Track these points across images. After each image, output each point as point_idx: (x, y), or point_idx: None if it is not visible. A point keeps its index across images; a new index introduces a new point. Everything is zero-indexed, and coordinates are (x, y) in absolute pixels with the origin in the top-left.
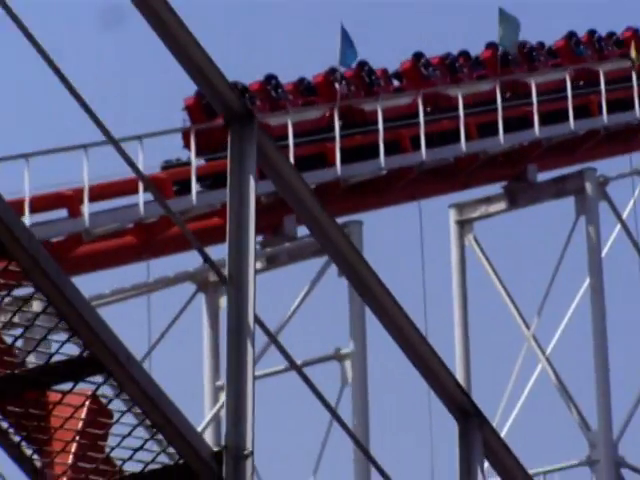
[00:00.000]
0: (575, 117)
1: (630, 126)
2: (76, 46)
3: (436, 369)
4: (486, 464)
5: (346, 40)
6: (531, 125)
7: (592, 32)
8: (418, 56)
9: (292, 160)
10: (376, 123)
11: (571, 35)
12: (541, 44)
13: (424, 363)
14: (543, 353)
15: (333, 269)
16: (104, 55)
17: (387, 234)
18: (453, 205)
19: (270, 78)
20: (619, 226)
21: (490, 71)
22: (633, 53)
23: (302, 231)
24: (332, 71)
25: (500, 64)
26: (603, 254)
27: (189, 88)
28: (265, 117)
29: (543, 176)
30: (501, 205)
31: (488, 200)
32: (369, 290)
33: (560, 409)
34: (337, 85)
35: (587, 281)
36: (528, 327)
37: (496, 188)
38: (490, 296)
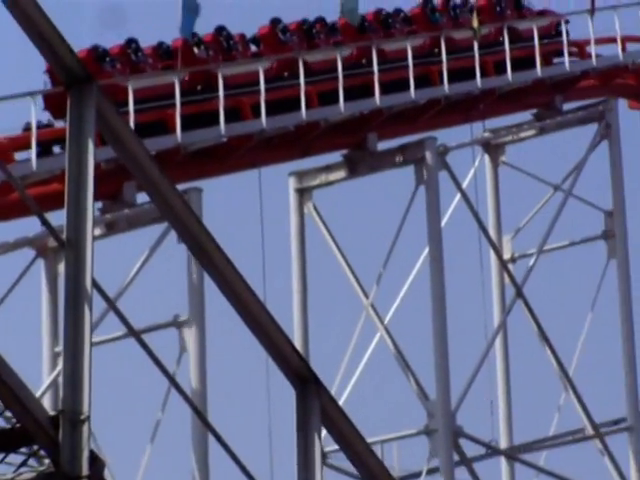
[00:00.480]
0: (418, 86)
1: (471, 96)
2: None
3: (274, 336)
4: (324, 431)
5: (186, 7)
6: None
7: None
8: (276, 22)
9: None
10: (237, 87)
11: (427, 2)
12: (397, 11)
13: (262, 330)
14: (382, 322)
15: (172, 236)
16: None
17: (227, 201)
18: (293, 173)
19: (130, 42)
20: (459, 196)
21: (346, 37)
22: (475, 23)
23: (142, 198)
24: (192, 35)
25: (357, 31)
26: (443, 223)
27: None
28: (123, 80)
29: (384, 145)
30: (341, 173)
31: (328, 168)
32: (208, 257)
33: (399, 378)
34: (196, 50)
35: (426, 250)
36: (367, 296)
37: (336, 156)
38: (329, 264)
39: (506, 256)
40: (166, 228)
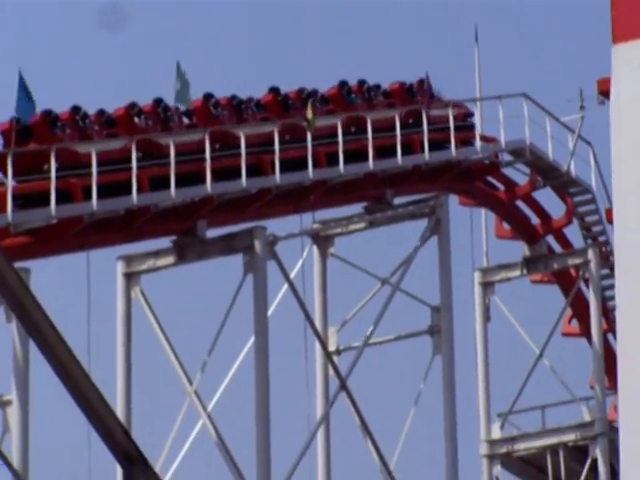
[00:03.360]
0: (250, 175)
1: (301, 186)
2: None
3: (104, 416)
4: None
5: (22, 90)
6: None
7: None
8: (208, 96)
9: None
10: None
11: (343, 83)
12: (314, 91)
13: (92, 409)
14: (205, 409)
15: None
16: None
17: (55, 283)
18: (121, 257)
19: (77, 109)
20: (286, 285)
21: (272, 114)
22: (309, 114)
23: None
24: (132, 106)
25: (282, 108)
26: (269, 313)
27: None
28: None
29: (213, 232)
30: (169, 259)
31: (156, 254)
32: (41, 335)
33: (220, 466)
34: (136, 119)
35: (252, 339)
36: (191, 383)
37: (165, 242)
38: (155, 349)
39: (331, 348)
40: None
